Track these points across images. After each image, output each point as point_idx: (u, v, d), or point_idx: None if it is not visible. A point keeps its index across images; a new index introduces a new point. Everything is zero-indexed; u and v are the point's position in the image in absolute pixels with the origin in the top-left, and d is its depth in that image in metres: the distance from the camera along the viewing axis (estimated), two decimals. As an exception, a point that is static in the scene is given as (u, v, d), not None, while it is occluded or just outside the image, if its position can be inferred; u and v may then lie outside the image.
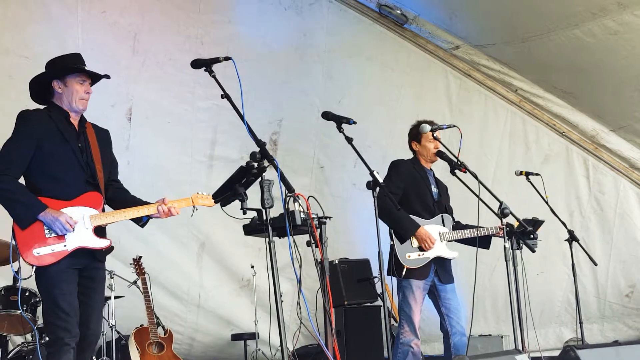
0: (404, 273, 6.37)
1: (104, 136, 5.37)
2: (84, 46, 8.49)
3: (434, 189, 6.84)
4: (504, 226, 6.25)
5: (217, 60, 4.89)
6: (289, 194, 4.69)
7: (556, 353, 6.92)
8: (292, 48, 9.87)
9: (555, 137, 9.71)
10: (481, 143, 9.80)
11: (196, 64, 4.96)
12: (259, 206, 4.65)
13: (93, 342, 5.10)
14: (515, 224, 6.38)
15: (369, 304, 9.21)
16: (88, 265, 5.05)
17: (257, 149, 4.65)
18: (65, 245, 4.86)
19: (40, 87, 5.20)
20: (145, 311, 8.18)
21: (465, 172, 6.36)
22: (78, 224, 4.91)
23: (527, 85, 9.60)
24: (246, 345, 9.63)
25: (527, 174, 7.46)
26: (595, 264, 8.21)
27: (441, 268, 6.62)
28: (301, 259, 4.78)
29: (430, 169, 6.93)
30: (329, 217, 5.22)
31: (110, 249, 5.22)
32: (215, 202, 4.89)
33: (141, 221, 5.28)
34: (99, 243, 5.02)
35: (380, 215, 5.96)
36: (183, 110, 9.43)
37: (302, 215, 4.84)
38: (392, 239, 6.39)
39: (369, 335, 8.93)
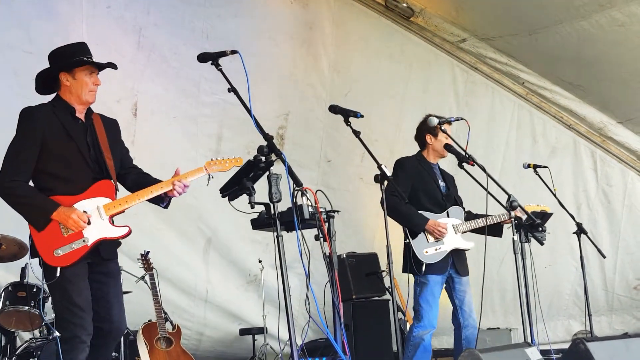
0: (423, 269, 6.35)
1: (112, 126, 5.22)
2: (89, 41, 8.28)
3: (441, 183, 6.85)
4: (513, 218, 6.24)
5: (223, 53, 4.83)
6: (297, 188, 4.66)
7: (565, 346, 6.87)
8: (298, 41, 9.85)
9: (562, 130, 9.69)
10: (488, 136, 9.79)
11: (203, 57, 4.90)
12: (267, 200, 4.63)
13: (118, 336, 4.97)
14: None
15: (377, 298, 9.22)
16: (98, 261, 4.93)
17: (263, 144, 4.62)
18: (84, 241, 4.74)
19: (45, 79, 5.08)
20: (153, 306, 8.17)
21: (473, 165, 6.34)
22: (93, 216, 4.80)
23: (534, 77, 9.58)
24: (254, 340, 9.61)
25: (535, 166, 7.43)
26: (604, 257, 8.18)
27: (458, 260, 6.65)
28: (309, 253, 4.76)
29: (436, 163, 6.92)
30: (337, 211, 5.18)
31: (118, 243, 5.12)
32: (223, 196, 4.86)
33: (163, 202, 5.17)
34: (117, 232, 4.88)
35: (389, 213, 5.95)
36: (188, 105, 9.39)
37: (310, 209, 4.81)
38: (407, 237, 6.35)
39: (378, 329, 8.93)
